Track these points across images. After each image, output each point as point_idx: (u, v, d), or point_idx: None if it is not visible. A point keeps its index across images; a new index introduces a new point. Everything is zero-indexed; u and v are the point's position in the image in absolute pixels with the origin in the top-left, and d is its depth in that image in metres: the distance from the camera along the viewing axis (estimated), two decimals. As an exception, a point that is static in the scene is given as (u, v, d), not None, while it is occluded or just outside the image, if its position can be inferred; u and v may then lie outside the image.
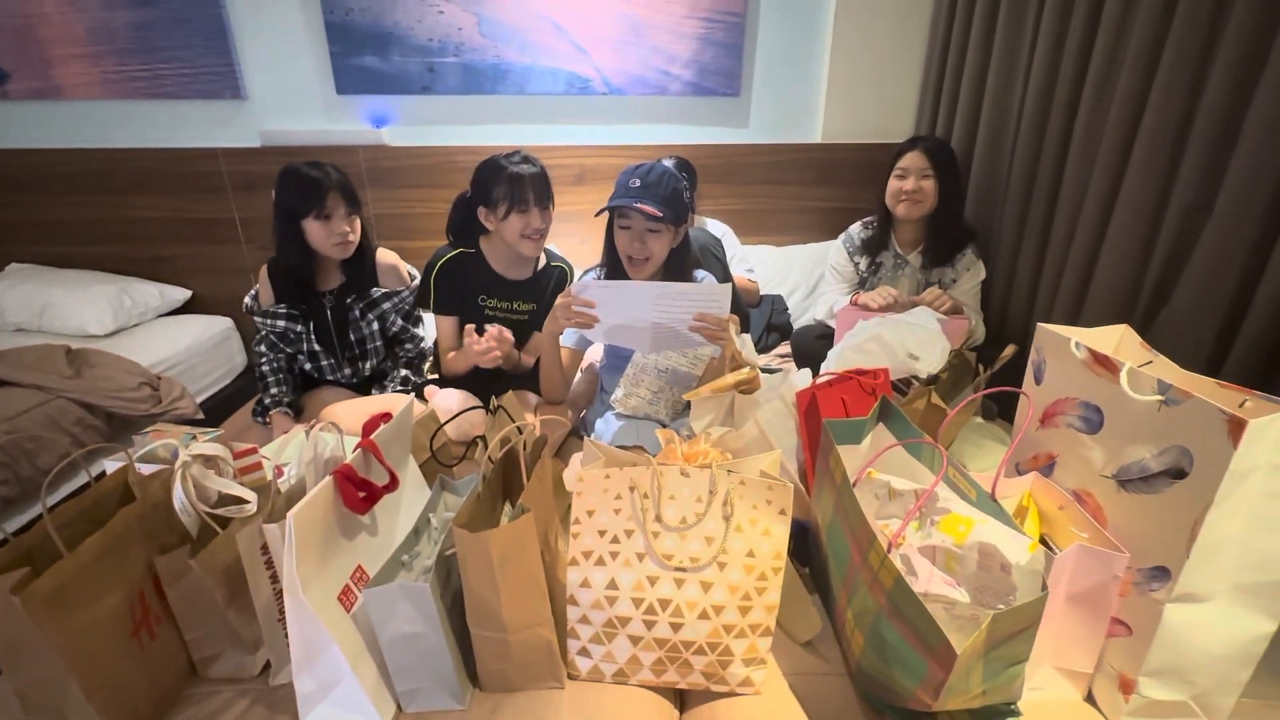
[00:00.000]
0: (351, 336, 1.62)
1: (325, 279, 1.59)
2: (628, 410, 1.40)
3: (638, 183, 1.28)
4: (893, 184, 1.74)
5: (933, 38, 2.15)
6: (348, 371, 1.67)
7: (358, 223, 1.52)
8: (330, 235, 1.47)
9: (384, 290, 1.62)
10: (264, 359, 1.60)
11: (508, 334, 1.42)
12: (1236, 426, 0.61)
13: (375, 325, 1.63)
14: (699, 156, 2.23)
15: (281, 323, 1.56)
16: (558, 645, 0.79)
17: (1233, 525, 0.64)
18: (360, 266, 1.59)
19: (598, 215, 1.34)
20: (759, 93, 2.32)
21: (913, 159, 1.71)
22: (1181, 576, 0.67)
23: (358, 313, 1.60)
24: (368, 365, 1.68)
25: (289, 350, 1.61)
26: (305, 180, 1.44)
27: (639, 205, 1.25)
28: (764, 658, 0.79)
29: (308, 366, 1.66)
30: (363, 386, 1.72)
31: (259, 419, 1.59)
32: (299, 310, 1.57)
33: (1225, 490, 0.63)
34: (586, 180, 2.34)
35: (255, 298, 1.59)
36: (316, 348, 1.60)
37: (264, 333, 1.59)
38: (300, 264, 1.52)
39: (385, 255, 1.64)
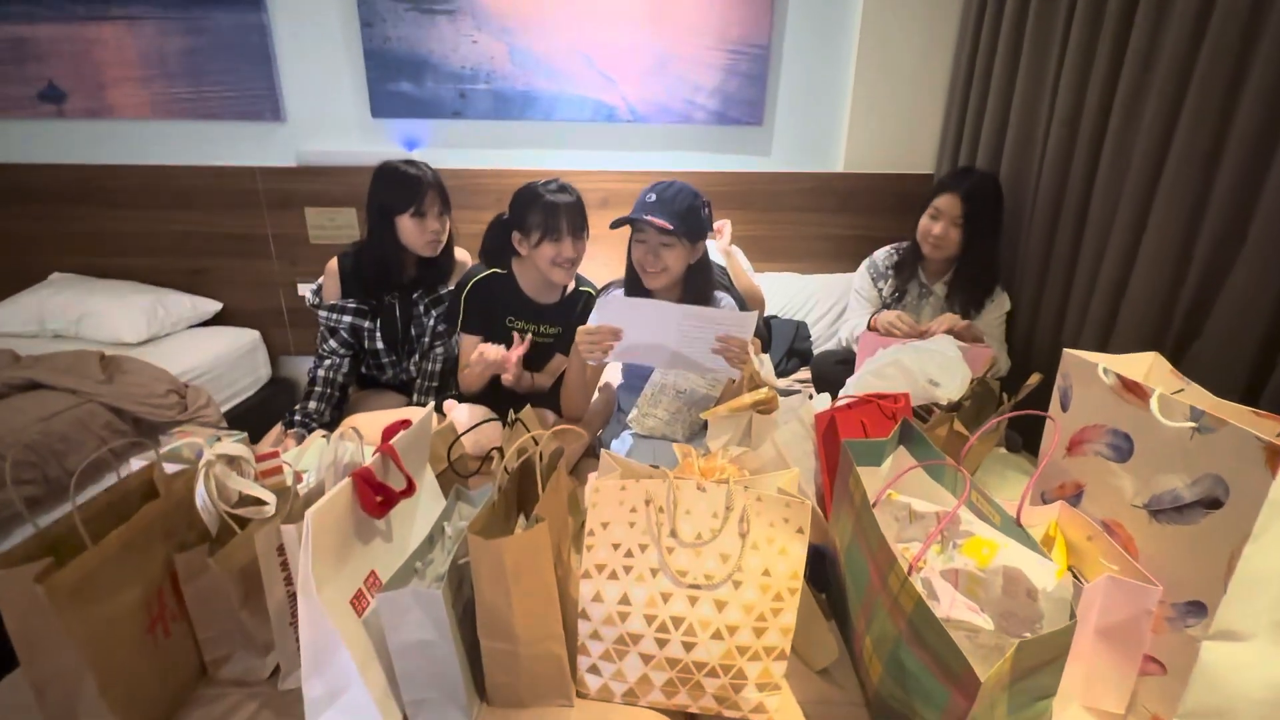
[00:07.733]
0: (413, 331, 1.64)
1: (404, 275, 1.61)
2: (644, 430, 1.39)
3: (654, 198, 1.31)
4: (924, 222, 1.71)
5: (956, 67, 2.16)
6: (404, 365, 1.67)
7: (448, 222, 1.56)
8: (424, 233, 1.50)
9: (450, 289, 1.64)
10: (324, 362, 1.57)
11: (516, 355, 1.41)
12: (1275, 455, 0.59)
13: (431, 322, 1.64)
14: (722, 184, 2.25)
15: (349, 318, 1.56)
16: (568, 662, 0.78)
17: (1273, 559, 0.62)
18: (436, 266, 1.61)
19: (613, 227, 1.37)
20: (782, 122, 2.36)
21: (948, 202, 1.65)
22: (1219, 612, 0.64)
23: (422, 308, 1.62)
24: (412, 363, 1.68)
25: (353, 350, 1.59)
26: (404, 177, 1.48)
27: (649, 218, 1.28)
28: (778, 683, 0.77)
29: (366, 366, 1.65)
30: (408, 389, 1.72)
31: (286, 426, 1.55)
32: (368, 305, 1.58)
33: (1264, 521, 0.61)
34: (610, 205, 2.37)
35: (317, 292, 1.59)
36: (380, 345, 1.61)
37: (328, 329, 1.56)
38: (390, 259, 1.54)
39: (459, 254, 1.67)
